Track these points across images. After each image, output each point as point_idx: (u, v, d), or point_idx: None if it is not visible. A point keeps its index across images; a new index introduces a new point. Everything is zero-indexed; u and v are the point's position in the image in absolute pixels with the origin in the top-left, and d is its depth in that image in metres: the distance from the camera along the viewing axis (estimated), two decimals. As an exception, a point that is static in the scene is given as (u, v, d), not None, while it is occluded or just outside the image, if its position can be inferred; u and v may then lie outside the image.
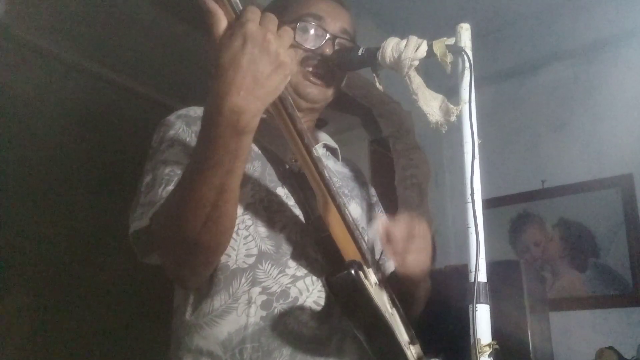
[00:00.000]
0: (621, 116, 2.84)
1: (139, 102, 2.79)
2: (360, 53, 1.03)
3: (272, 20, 0.73)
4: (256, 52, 0.70)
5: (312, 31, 1.06)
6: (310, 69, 1.05)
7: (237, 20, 0.72)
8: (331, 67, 1.06)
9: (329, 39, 1.06)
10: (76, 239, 2.41)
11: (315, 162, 0.85)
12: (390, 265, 1.14)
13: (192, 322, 0.94)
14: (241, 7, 0.74)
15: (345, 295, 0.83)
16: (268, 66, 0.71)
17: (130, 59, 2.68)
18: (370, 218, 1.18)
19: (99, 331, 2.39)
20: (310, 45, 1.05)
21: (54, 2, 2.24)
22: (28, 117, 2.32)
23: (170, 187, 0.90)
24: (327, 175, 0.88)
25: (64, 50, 2.48)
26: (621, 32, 2.87)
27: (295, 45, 1.03)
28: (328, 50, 1.05)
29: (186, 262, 0.86)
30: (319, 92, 1.06)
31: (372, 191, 1.27)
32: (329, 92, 1.09)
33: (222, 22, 0.73)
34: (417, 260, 0.96)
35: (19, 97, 2.27)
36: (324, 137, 1.21)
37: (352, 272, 0.81)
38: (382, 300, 0.94)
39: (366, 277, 0.86)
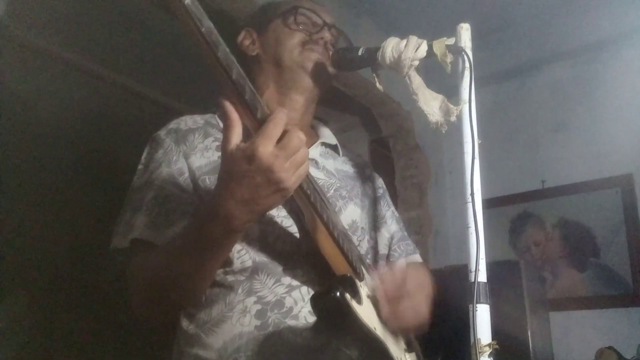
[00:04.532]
0: (621, 116, 2.84)
1: (139, 102, 2.79)
2: (360, 53, 1.04)
3: (291, 141, 0.74)
4: (258, 179, 0.74)
5: (313, 18, 1.12)
6: (312, 49, 1.10)
7: (257, 132, 0.74)
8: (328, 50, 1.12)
9: (325, 26, 1.12)
10: (76, 239, 2.40)
11: (301, 183, 0.83)
12: None
13: (191, 331, 0.95)
14: (267, 113, 0.75)
15: (330, 317, 0.82)
16: (267, 189, 0.75)
17: (130, 59, 2.68)
18: (373, 214, 1.18)
19: (99, 331, 2.39)
20: (310, 30, 1.11)
21: (54, 2, 2.24)
22: (28, 117, 2.32)
23: (145, 218, 0.94)
24: (313, 194, 0.87)
25: (64, 50, 2.48)
26: (621, 32, 2.86)
27: (296, 29, 1.10)
28: (327, 35, 1.11)
29: (158, 309, 0.94)
30: (321, 55, 1.10)
31: (379, 182, 1.26)
32: (330, 69, 1.11)
33: (236, 130, 0.75)
34: (408, 320, 0.95)
35: (19, 97, 2.26)
36: (324, 134, 1.19)
37: (337, 294, 0.80)
38: (376, 313, 0.92)
39: (355, 293, 0.84)
